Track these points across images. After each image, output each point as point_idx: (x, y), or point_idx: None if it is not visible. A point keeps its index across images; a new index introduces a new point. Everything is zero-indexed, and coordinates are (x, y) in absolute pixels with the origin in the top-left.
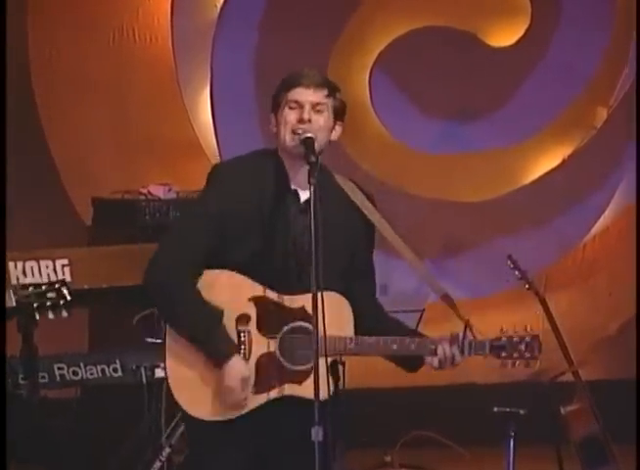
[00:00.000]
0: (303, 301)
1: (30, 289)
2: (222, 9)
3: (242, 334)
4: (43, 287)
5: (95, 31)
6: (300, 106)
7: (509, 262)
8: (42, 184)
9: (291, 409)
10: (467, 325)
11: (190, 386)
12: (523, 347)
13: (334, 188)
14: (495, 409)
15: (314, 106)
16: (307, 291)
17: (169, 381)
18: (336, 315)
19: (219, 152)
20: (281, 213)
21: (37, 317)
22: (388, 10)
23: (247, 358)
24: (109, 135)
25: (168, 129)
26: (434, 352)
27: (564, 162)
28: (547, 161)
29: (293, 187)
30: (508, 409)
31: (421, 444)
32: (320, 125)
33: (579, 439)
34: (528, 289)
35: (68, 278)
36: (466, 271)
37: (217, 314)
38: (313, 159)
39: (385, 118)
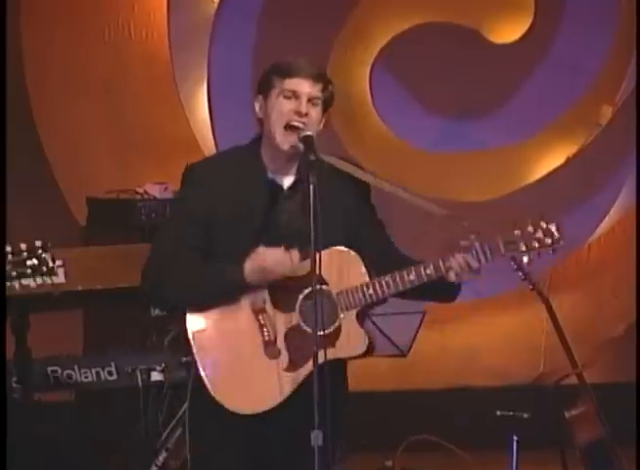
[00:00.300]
0: (309, 265)
1: (9, 257)
2: (220, 3)
3: (260, 317)
4: (23, 254)
5: (89, 27)
6: (297, 97)
7: (512, 263)
8: (36, 184)
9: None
10: (473, 232)
11: (227, 377)
12: (540, 234)
13: (321, 164)
14: (498, 413)
15: (310, 99)
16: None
17: (205, 378)
18: (346, 268)
19: (217, 149)
20: (264, 205)
21: (17, 287)
22: (389, 5)
23: (274, 340)
24: (104, 133)
25: (165, 127)
26: (449, 268)
27: (568, 160)
28: (551, 159)
29: (270, 176)
30: (511, 413)
31: (422, 448)
32: (314, 120)
33: (584, 443)
34: (532, 290)
35: (61, 279)
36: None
37: (230, 268)
38: (313, 157)
39: (385, 116)
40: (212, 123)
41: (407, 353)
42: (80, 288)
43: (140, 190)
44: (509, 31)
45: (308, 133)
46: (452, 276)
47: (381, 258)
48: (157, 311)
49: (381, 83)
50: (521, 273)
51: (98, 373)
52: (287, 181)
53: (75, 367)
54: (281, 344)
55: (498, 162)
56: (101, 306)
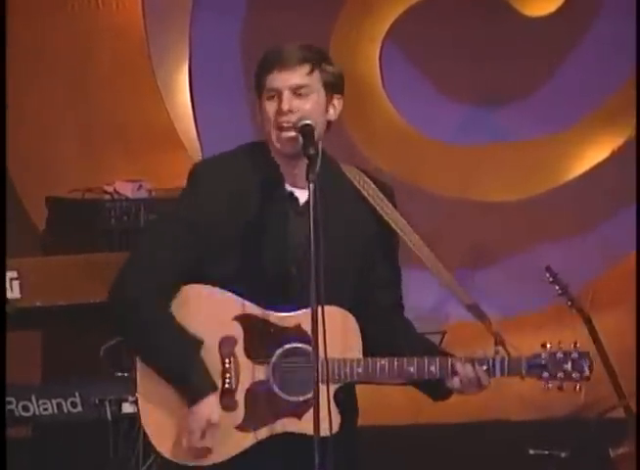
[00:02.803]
0: (300, 318)
1: None
2: None
3: (227, 360)
4: None
5: None
6: (279, 94)
7: (547, 275)
8: None
9: (287, 450)
10: (497, 340)
11: (164, 425)
12: (569, 365)
13: (340, 182)
14: (531, 452)
15: (294, 90)
16: (306, 307)
17: (142, 420)
18: (339, 334)
19: (199, 141)
20: (275, 219)
21: None
22: None
23: (234, 390)
24: (66, 121)
25: (138, 114)
26: (456, 373)
27: (612, 154)
28: (592, 153)
29: (288, 188)
30: (547, 452)
31: None
32: (308, 111)
33: None
34: (571, 306)
35: (16, 294)
36: (496, 285)
37: (194, 345)
38: (312, 151)
39: (398, 102)
40: (195, 111)
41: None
42: (39, 304)
43: (109, 188)
44: (544, 2)
45: (307, 122)
46: (455, 384)
47: (381, 319)
48: None
49: (393, 63)
50: (557, 286)
51: (60, 405)
52: (302, 196)
53: (33, 398)
54: (240, 397)
55: (531, 156)
56: (63, 326)
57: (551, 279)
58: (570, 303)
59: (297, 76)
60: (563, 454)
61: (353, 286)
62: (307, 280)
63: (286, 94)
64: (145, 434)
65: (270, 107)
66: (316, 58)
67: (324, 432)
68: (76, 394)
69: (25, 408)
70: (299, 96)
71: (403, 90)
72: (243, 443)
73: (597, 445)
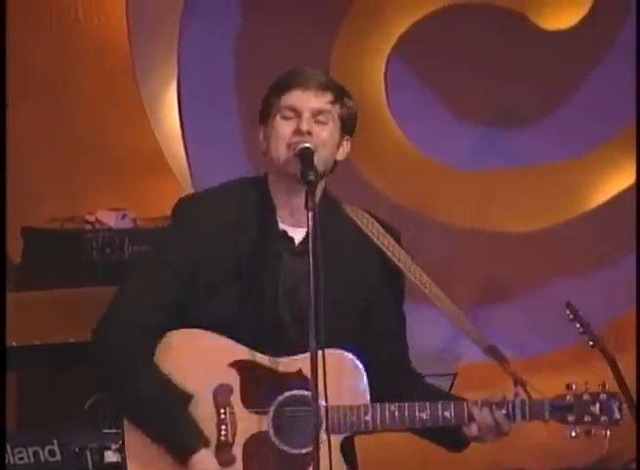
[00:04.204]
0: (301, 363)
1: None
2: None
3: (222, 411)
4: None
5: (28, 11)
6: (298, 114)
7: (568, 312)
8: None
9: None
10: (517, 381)
11: None
12: (597, 408)
13: (341, 221)
14: None
15: (315, 114)
16: (308, 352)
17: None
18: (344, 379)
19: (189, 165)
20: (268, 261)
21: None
22: None
23: (231, 442)
24: (45, 144)
25: (122, 136)
26: (473, 418)
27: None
28: (616, 179)
29: (282, 228)
30: None
31: None
32: (323, 140)
33: None
34: (593, 346)
35: None
36: (512, 323)
37: (180, 399)
38: (312, 176)
39: (405, 123)
40: (183, 133)
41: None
42: (13, 344)
43: (91, 218)
44: (564, 15)
45: (306, 145)
46: (473, 431)
47: (387, 368)
48: None
49: (398, 81)
50: (579, 325)
51: (36, 453)
52: (299, 234)
53: (7, 446)
54: (238, 450)
55: (548, 182)
56: (39, 368)
57: (572, 316)
58: (592, 342)
59: (321, 100)
60: None
61: (354, 333)
62: (304, 326)
63: (306, 115)
64: None
65: (286, 126)
66: (340, 90)
67: None
68: (54, 441)
69: None
70: (318, 122)
71: (411, 111)
72: None
73: None
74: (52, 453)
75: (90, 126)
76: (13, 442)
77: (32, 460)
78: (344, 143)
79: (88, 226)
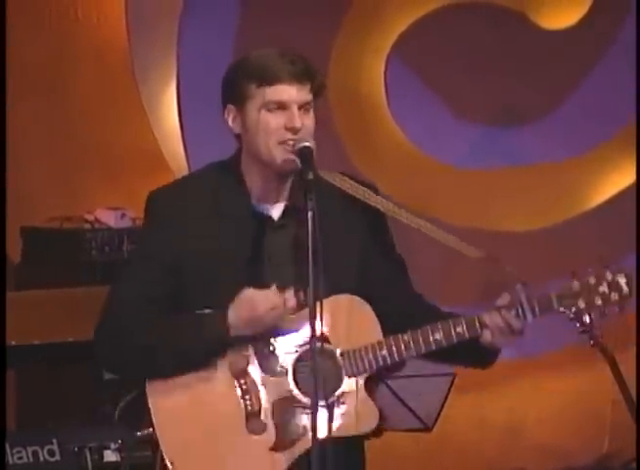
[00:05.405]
0: (306, 315)
1: None
2: None
3: (242, 381)
4: None
5: (27, 10)
6: (284, 107)
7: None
8: None
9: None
10: (523, 284)
11: (197, 462)
12: (605, 287)
13: (321, 187)
14: None
15: (301, 106)
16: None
17: (170, 465)
18: (355, 321)
19: (188, 164)
20: (247, 241)
21: None
22: None
23: (257, 411)
24: (44, 144)
25: (121, 135)
26: (485, 325)
27: None
28: (616, 179)
29: (258, 209)
30: None
31: None
32: (310, 128)
33: None
34: (593, 346)
35: None
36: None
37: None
38: (311, 176)
39: (404, 122)
40: (183, 132)
41: (433, 427)
42: (13, 343)
43: (90, 217)
44: (564, 15)
45: (306, 144)
46: (488, 337)
47: (398, 307)
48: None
49: (398, 80)
50: (579, 324)
51: (35, 453)
52: (276, 210)
53: (6, 446)
54: (267, 417)
55: (548, 181)
56: (39, 368)
57: (572, 316)
58: (592, 342)
59: (305, 92)
60: None
61: (357, 280)
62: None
63: (295, 110)
64: None
65: (274, 120)
66: (314, 72)
67: (368, 426)
68: (54, 441)
69: None
70: (306, 112)
71: (410, 110)
72: (280, 464)
73: None
74: (51, 453)
75: (89, 126)
76: (12, 441)
77: (32, 460)
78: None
79: (87, 225)
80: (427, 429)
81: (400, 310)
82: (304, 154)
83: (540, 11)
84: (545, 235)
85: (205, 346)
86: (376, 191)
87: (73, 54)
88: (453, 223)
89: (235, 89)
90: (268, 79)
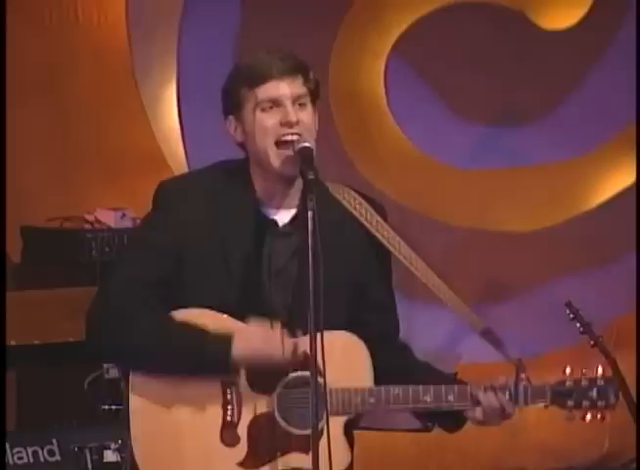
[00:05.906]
0: (306, 344)
1: None
2: None
3: (228, 391)
4: None
5: (27, 10)
6: (278, 104)
7: (568, 311)
8: None
9: None
10: (519, 368)
11: (165, 464)
12: (594, 393)
13: (327, 201)
14: None
15: (295, 100)
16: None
17: (138, 460)
18: (348, 361)
19: (188, 166)
20: (252, 245)
21: None
22: None
23: (235, 423)
24: (44, 144)
25: (121, 135)
26: (477, 403)
27: None
28: (617, 178)
29: (263, 212)
30: None
31: None
32: (308, 124)
33: None
34: (593, 346)
35: None
36: (512, 323)
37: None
38: (312, 175)
39: (404, 122)
40: (183, 132)
41: (433, 427)
42: (13, 343)
43: (90, 217)
44: (564, 15)
45: (306, 144)
46: (478, 415)
47: (380, 344)
48: (111, 374)
49: (398, 80)
50: (579, 324)
51: (35, 453)
52: (282, 216)
53: (6, 446)
54: (242, 430)
55: (549, 181)
56: (39, 368)
57: (572, 316)
58: (592, 342)
59: (296, 85)
60: None
61: (345, 311)
62: (295, 306)
63: (289, 105)
64: None
65: (269, 119)
66: (305, 67)
67: (335, 466)
68: (54, 441)
69: None
70: (301, 107)
71: (410, 110)
72: None
73: None
74: (51, 453)
75: (89, 126)
76: (12, 441)
77: (32, 460)
78: (315, 110)
79: (87, 226)
80: (427, 430)
81: (382, 343)
82: (305, 153)
83: (540, 11)
84: (545, 235)
85: (202, 366)
86: (382, 212)
87: (73, 54)
88: (454, 224)
89: (231, 98)
90: (258, 79)
